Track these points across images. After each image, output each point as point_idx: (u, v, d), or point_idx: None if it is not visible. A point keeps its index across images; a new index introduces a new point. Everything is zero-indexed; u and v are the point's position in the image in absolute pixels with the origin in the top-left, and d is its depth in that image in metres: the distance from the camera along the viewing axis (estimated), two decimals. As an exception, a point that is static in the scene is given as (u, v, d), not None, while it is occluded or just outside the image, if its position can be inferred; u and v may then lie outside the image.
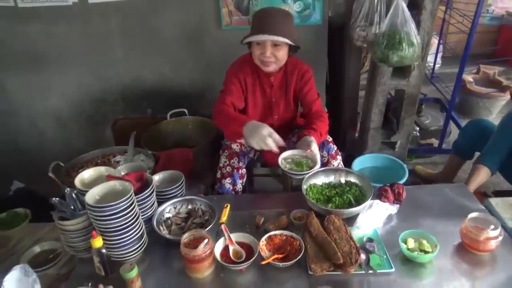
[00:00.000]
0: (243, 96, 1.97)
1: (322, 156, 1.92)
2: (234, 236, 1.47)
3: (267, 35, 1.72)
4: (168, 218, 1.64)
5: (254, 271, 1.38)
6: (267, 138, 1.62)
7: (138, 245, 1.43)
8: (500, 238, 1.37)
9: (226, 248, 1.44)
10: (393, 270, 1.33)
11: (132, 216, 1.38)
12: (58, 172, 2.02)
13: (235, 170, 1.92)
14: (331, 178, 1.77)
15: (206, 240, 1.35)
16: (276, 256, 1.39)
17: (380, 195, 1.65)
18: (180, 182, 1.72)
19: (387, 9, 2.19)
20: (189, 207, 1.70)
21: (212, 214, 1.64)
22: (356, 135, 3.00)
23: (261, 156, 2.22)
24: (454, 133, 3.23)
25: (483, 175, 2.09)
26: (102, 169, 1.63)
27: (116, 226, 1.34)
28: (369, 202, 1.58)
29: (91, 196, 1.38)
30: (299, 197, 1.67)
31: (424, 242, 1.40)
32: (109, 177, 1.49)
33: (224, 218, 1.63)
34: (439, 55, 4.44)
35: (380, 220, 1.57)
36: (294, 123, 2.18)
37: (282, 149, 1.75)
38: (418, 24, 2.24)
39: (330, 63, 2.91)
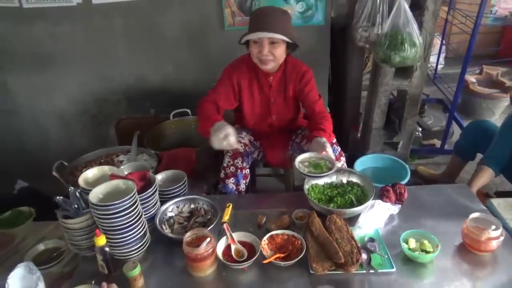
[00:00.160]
0: (233, 96, 1.99)
1: None
2: (236, 235, 1.48)
3: (264, 33, 1.73)
4: (171, 217, 1.65)
5: (256, 270, 1.39)
6: (223, 139, 1.69)
7: (141, 244, 1.44)
8: (502, 238, 1.37)
9: (228, 247, 1.46)
10: (394, 270, 1.34)
11: (135, 215, 1.39)
12: (62, 171, 2.04)
13: (239, 170, 1.93)
14: (333, 178, 1.78)
15: (208, 239, 1.36)
16: (277, 255, 1.40)
17: (381, 195, 1.65)
18: (182, 182, 1.73)
19: (389, 9, 2.19)
20: (192, 206, 1.71)
21: (214, 213, 1.65)
22: (358, 135, 3.00)
23: (264, 156, 2.23)
24: (456, 133, 3.22)
25: (486, 176, 2.09)
26: (105, 168, 1.64)
27: (119, 224, 1.35)
28: (370, 202, 1.58)
29: (95, 195, 1.39)
30: (301, 197, 1.68)
31: (426, 242, 1.41)
32: (113, 176, 1.50)
33: (226, 217, 1.64)
34: (442, 55, 4.44)
35: (382, 220, 1.57)
36: (296, 124, 2.19)
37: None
38: (420, 25, 2.24)
39: (332, 64, 2.91)
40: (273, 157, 2.21)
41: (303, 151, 2.04)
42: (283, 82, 1.99)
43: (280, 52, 1.82)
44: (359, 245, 1.38)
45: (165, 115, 2.62)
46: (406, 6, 2.08)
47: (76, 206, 1.46)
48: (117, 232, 1.37)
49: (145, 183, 1.57)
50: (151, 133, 2.45)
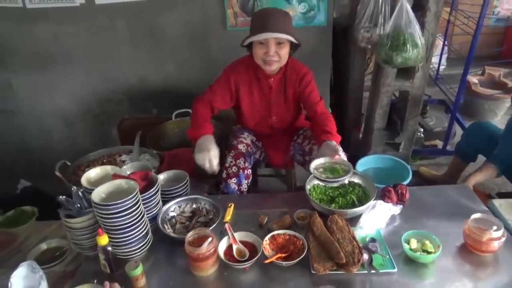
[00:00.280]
0: (230, 97, 2.00)
1: None
2: (238, 235, 1.48)
3: (271, 33, 1.73)
4: (173, 217, 1.66)
5: (257, 270, 1.40)
6: (206, 162, 1.77)
7: (143, 243, 1.45)
8: (503, 239, 1.37)
9: (230, 247, 1.46)
10: (395, 270, 1.34)
11: (137, 215, 1.39)
12: (64, 171, 2.04)
13: (241, 170, 1.94)
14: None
15: (210, 239, 1.36)
16: (279, 255, 1.40)
17: (383, 195, 1.66)
18: (184, 182, 1.73)
19: (391, 10, 2.19)
20: (194, 206, 1.71)
21: (216, 213, 1.66)
22: (360, 135, 3.00)
23: (266, 156, 2.23)
24: (458, 134, 3.22)
25: (487, 172, 2.09)
26: (108, 168, 1.65)
27: (122, 224, 1.36)
28: (372, 202, 1.58)
29: (97, 194, 1.40)
30: (303, 197, 1.69)
31: (427, 242, 1.41)
32: (115, 176, 1.51)
33: (228, 217, 1.64)
34: (444, 56, 4.43)
35: (383, 220, 1.57)
36: (297, 125, 2.19)
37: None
38: (422, 26, 2.24)
39: (334, 64, 2.91)
40: (275, 157, 2.22)
41: (305, 152, 2.05)
42: (283, 84, 2.00)
43: (285, 53, 1.83)
44: (361, 245, 1.38)
45: (167, 115, 2.62)
46: (408, 7, 2.09)
47: (78, 205, 1.47)
48: (120, 231, 1.37)
49: (147, 183, 1.58)
50: (153, 133, 2.45)
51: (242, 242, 1.47)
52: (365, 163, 2.44)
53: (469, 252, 1.42)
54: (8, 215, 1.91)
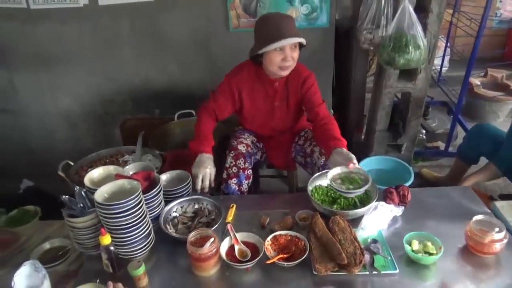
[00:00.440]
0: (232, 104, 2.01)
1: None
2: (240, 236, 1.49)
3: (290, 39, 1.72)
4: (175, 217, 1.66)
5: (259, 270, 1.40)
6: (199, 177, 1.79)
7: (145, 243, 1.46)
8: (505, 241, 1.37)
9: (231, 247, 1.46)
10: (397, 271, 1.34)
11: (140, 215, 1.40)
12: (67, 171, 2.06)
13: (241, 171, 1.94)
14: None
15: (212, 239, 1.37)
16: (281, 256, 1.40)
17: (385, 197, 1.66)
18: (187, 182, 1.74)
19: (394, 12, 2.19)
20: (196, 206, 1.72)
21: (218, 213, 1.66)
22: (362, 137, 3.00)
23: (267, 157, 2.23)
24: (460, 136, 3.21)
25: (488, 172, 2.09)
26: (111, 168, 1.65)
27: (124, 224, 1.37)
28: (374, 203, 1.58)
29: (100, 194, 1.40)
30: (305, 198, 1.69)
31: (429, 244, 1.41)
32: (118, 176, 1.52)
33: (230, 217, 1.65)
34: (446, 58, 4.42)
35: (385, 221, 1.57)
36: (298, 126, 2.19)
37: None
38: (424, 27, 2.24)
39: (336, 65, 2.91)
40: (276, 158, 2.22)
41: (306, 153, 2.05)
42: (286, 87, 1.99)
43: (297, 55, 1.84)
44: (362, 246, 1.38)
45: (170, 115, 2.63)
46: (411, 9, 2.09)
47: (81, 205, 1.47)
48: (122, 231, 1.38)
49: (150, 183, 1.58)
50: (156, 133, 2.46)
51: (244, 243, 1.47)
52: (367, 165, 2.45)
53: (471, 253, 1.42)
54: (11, 215, 1.92)
